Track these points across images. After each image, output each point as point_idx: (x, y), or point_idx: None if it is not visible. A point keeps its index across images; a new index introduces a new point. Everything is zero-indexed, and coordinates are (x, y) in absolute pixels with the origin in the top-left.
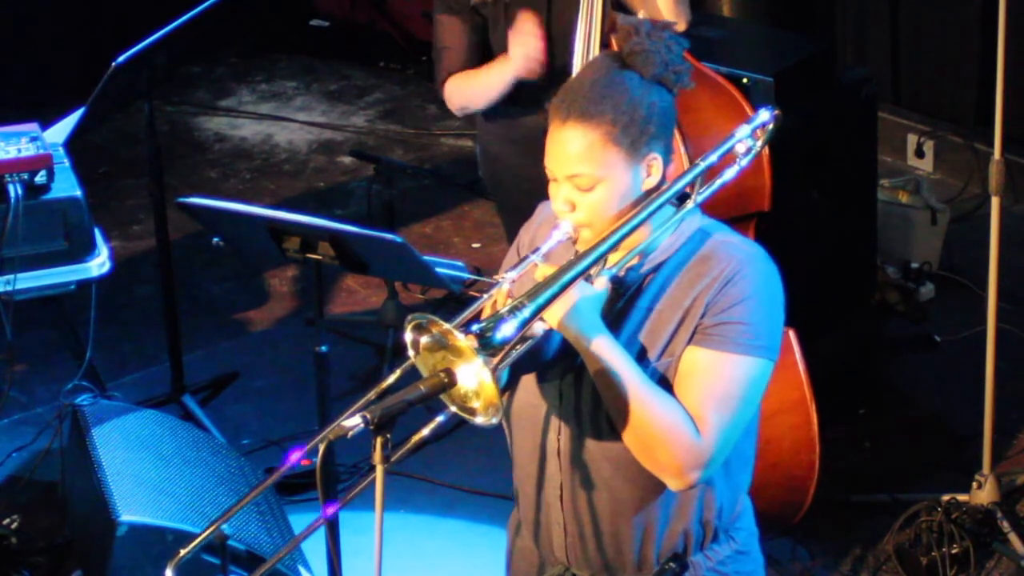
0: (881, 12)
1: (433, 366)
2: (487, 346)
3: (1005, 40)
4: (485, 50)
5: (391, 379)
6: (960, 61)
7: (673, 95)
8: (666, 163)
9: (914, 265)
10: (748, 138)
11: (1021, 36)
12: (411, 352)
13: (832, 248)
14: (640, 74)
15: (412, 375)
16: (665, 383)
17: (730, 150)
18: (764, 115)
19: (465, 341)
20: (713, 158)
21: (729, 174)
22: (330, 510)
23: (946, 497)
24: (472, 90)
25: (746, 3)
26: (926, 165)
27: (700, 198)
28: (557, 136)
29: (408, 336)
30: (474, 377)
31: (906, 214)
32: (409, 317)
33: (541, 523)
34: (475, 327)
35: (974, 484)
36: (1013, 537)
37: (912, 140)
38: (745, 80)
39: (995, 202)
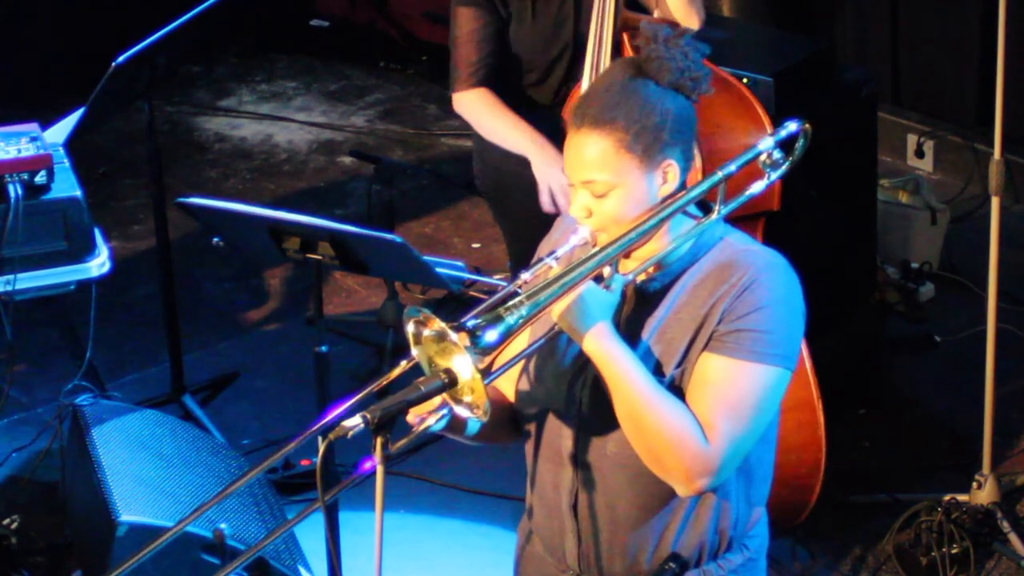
0: (881, 12)
1: (430, 357)
2: (479, 343)
3: (1005, 40)
4: (504, 45)
5: (392, 375)
6: (960, 61)
7: (692, 101)
8: (684, 169)
9: (914, 265)
10: (774, 149)
11: (1021, 36)
12: (412, 343)
13: (832, 248)
14: (656, 81)
15: (413, 373)
16: (682, 394)
17: (752, 160)
18: (791, 126)
19: (457, 339)
20: (732, 168)
21: (756, 188)
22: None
23: (946, 497)
24: (489, 125)
25: (746, 3)
26: (926, 165)
27: (724, 211)
28: (572, 142)
29: (410, 328)
30: (468, 372)
31: (906, 214)
32: (406, 312)
33: (554, 531)
34: (469, 323)
35: (974, 484)
36: (1013, 537)
37: (912, 140)
38: (745, 80)
39: (995, 202)
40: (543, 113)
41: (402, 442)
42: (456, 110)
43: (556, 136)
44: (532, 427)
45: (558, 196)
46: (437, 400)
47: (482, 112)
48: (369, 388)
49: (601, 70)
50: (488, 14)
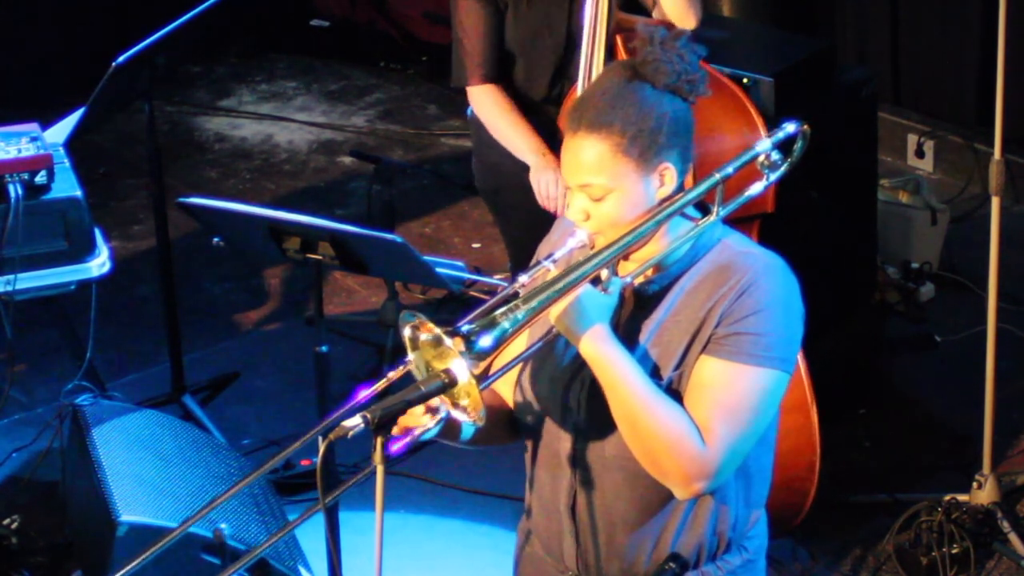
0: (881, 12)
1: (427, 363)
2: (473, 348)
3: (1005, 40)
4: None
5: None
6: (960, 61)
7: (689, 103)
8: (682, 172)
9: (914, 265)
10: (772, 151)
11: (1021, 36)
12: (408, 347)
13: (832, 248)
14: (652, 84)
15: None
16: (680, 396)
17: (750, 162)
18: (789, 127)
19: (451, 344)
20: (730, 170)
21: (755, 189)
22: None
23: (946, 497)
24: (497, 125)
25: (746, 3)
26: (926, 165)
27: (723, 212)
28: (569, 146)
29: (406, 333)
30: (464, 376)
31: (906, 214)
32: (401, 317)
33: (553, 532)
34: (464, 328)
35: (974, 484)
36: (1013, 537)
37: (912, 140)
38: (745, 80)
39: (995, 202)
40: (538, 108)
41: (401, 443)
42: (471, 103)
43: (551, 132)
44: (530, 429)
45: (547, 201)
46: (426, 415)
47: (492, 111)
48: (373, 388)
49: (594, 72)
50: (489, 4)
